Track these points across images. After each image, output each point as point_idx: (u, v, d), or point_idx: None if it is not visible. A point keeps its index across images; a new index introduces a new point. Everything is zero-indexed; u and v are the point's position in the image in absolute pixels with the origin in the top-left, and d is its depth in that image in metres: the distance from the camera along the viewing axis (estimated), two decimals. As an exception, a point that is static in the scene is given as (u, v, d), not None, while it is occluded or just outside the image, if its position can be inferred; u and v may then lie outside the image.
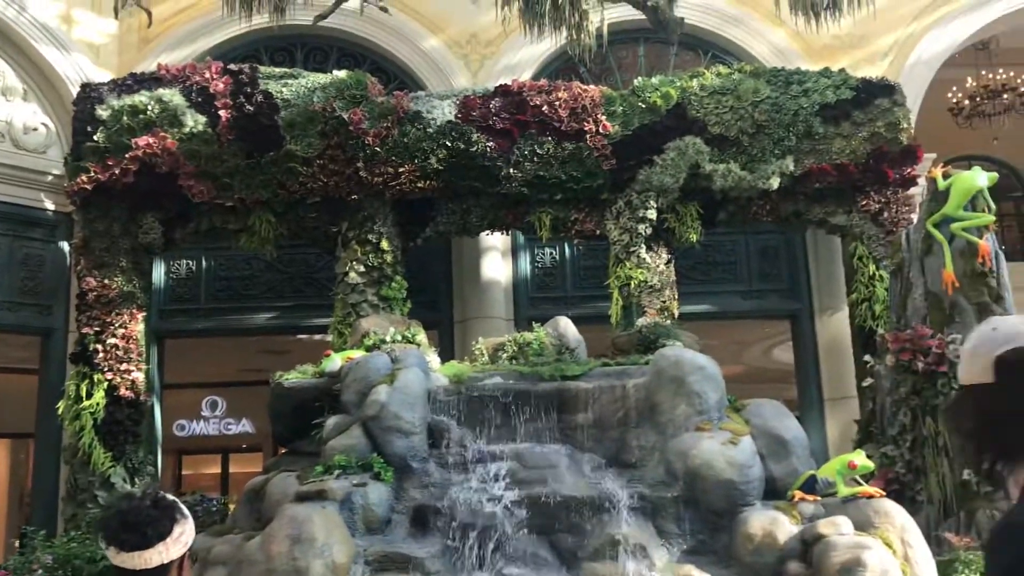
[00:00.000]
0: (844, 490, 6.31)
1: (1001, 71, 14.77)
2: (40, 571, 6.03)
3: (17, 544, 7.11)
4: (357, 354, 7.27)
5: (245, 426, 14.85)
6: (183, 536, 2.02)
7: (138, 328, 9.11)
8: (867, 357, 8.11)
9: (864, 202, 9.80)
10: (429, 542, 6.10)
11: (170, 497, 2.10)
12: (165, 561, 1.99)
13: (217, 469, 16.60)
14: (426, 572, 5.87)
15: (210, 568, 5.86)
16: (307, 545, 5.49)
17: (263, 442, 14.58)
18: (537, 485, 6.40)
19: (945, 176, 7.61)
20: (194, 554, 6.26)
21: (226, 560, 5.86)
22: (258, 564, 5.50)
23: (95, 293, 8.96)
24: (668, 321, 9.15)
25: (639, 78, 10.08)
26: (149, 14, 9.65)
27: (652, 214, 9.57)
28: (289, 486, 6.28)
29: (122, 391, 8.79)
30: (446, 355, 9.74)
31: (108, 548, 1.99)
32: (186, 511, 2.09)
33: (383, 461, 6.43)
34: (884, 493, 6.32)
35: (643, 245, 9.58)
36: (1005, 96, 14.57)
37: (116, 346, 8.87)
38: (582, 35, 8.75)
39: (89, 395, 8.71)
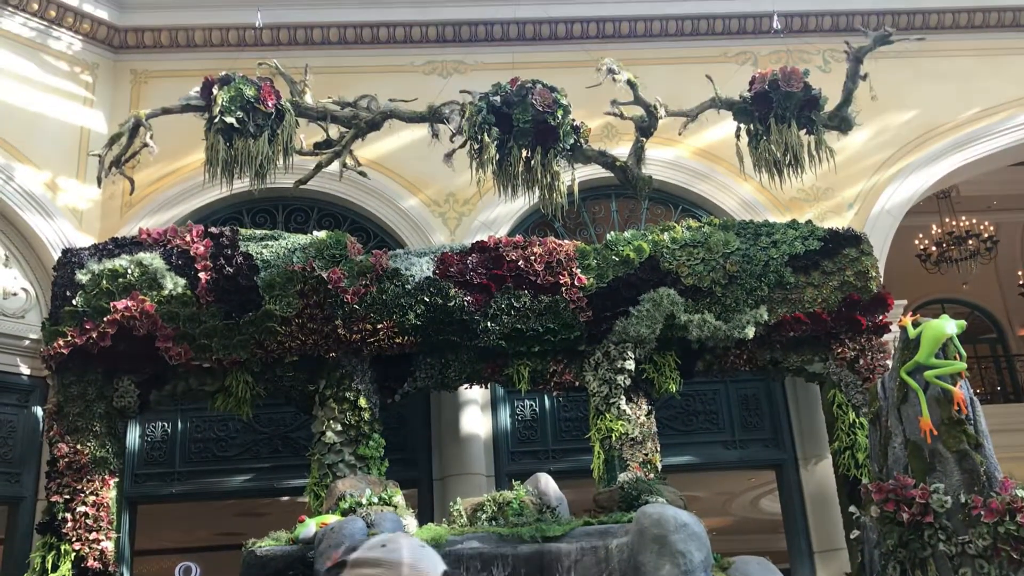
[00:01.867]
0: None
1: (964, 218, 15.27)
2: None
3: None
4: (332, 519, 7.09)
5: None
6: None
7: (110, 495, 8.89)
8: (852, 508, 7.99)
9: (839, 350, 9.90)
10: None
11: None
12: None
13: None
14: None
15: None
16: None
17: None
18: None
19: (915, 324, 7.71)
20: None
21: None
22: None
23: (67, 459, 8.79)
24: (651, 474, 9.03)
25: (612, 232, 10.33)
26: (132, 182, 9.87)
27: (630, 365, 9.60)
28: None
29: (90, 562, 8.48)
30: (425, 514, 9.55)
31: None
32: None
33: (358, 632, 6.17)
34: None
35: (623, 396, 9.57)
36: (970, 242, 14.99)
37: (86, 514, 8.62)
38: (554, 194, 9.01)
39: (55, 568, 8.39)
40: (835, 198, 12.23)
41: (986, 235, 15.22)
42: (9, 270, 10.80)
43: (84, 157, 11.25)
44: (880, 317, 9.99)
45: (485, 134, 8.88)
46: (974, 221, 15.34)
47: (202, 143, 9.13)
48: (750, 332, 9.70)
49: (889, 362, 9.28)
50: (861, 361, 9.83)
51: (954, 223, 15.00)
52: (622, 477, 8.71)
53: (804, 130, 9.50)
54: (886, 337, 10.05)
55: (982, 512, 6.85)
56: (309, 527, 6.99)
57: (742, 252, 9.92)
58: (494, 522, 7.56)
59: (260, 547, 7.02)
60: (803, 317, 9.79)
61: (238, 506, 11.90)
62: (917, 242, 15.18)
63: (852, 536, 8.14)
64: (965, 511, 6.97)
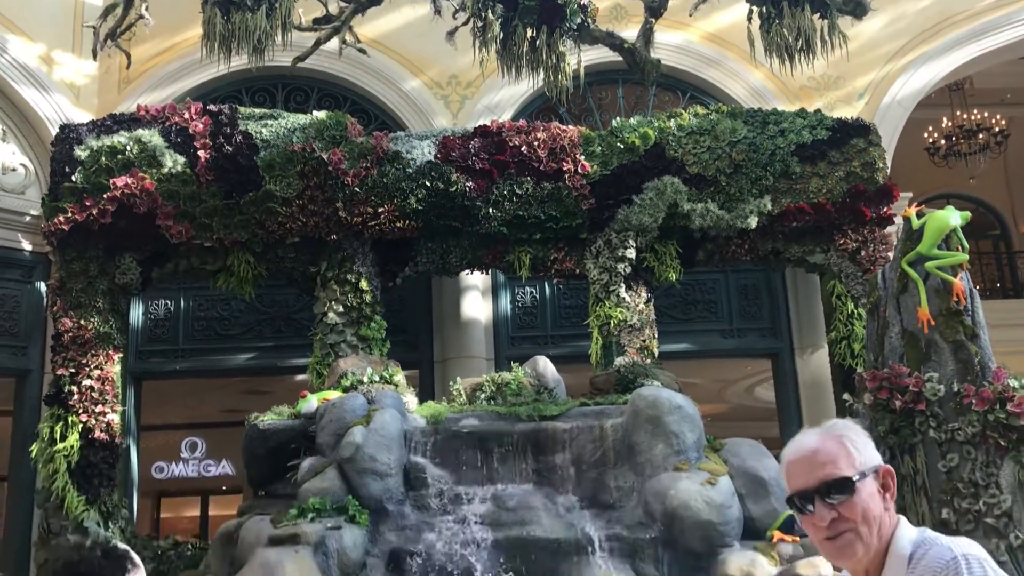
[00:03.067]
0: (823, 530, 6.27)
1: (976, 111, 15.00)
2: (5, 619, 5.89)
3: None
4: (333, 395, 7.22)
5: (225, 468, 14.67)
6: None
7: (114, 369, 9.02)
8: (846, 396, 8.10)
9: (841, 241, 9.87)
10: (404, 587, 6.01)
11: (122, 546, 2.05)
12: None
13: (196, 512, 16.38)
14: (401, 617, 5.78)
15: (180, 615, 5.76)
16: (279, 591, 5.40)
17: (243, 484, 14.40)
18: (514, 527, 6.35)
19: (919, 215, 7.66)
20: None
21: (197, 607, 5.76)
22: (229, 611, 5.40)
23: (71, 334, 8.88)
24: (648, 360, 9.14)
25: (617, 118, 10.17)
26: (128, 55, 9.66)
27: (631, 253, 9.60)
28: (262, 530, 6.19)
29: (97, 433, 8.68)
30: (426, 395, 9.70)
31: None
32: (138, 560, 2.03)
33: (358, 504, 6.36)
34: (863, 533, 6.29)
35: (622, 284, 9.59)
36: (980, 136, 14.76)
37: (91, 388, 8.77)
38: (559, 77, 8.81)
39: (63, 437, 8.59)
40: (845, 88, 11.98)
41: (997, 129, 14.98)
42: (7, 145, 10.69)
43: (79, 29, 10.98)
44: (884, 209, 9.92)
45: (489, 11, 8.63)
46: (986, 114, 15.07)
47: (199, 17, 8.89)
48: (753, 222, 9.66)
49: (891, 254, 9.26)
50: (862, 252, 9.81)
51: (965, 116, 14.73)
52: (619, 361, 8.82)
53: (818, 14, 9.22)
54: (889, 229, 10.01)
55: (973, 400, 6.95)
56: (311, 402, 7.11)
57: (749, 141, 9.78)
58: (493, 401, 7.69)
59: (263, 421, 7.17)
60: (807, 207, 9.73)
61: (242, 384, 12.09)
62: (926, 135, 14.94)
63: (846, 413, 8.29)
64: (957, 399, 7.07)
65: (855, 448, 1.82)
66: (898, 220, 9.80)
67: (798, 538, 6.31)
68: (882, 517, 1.79)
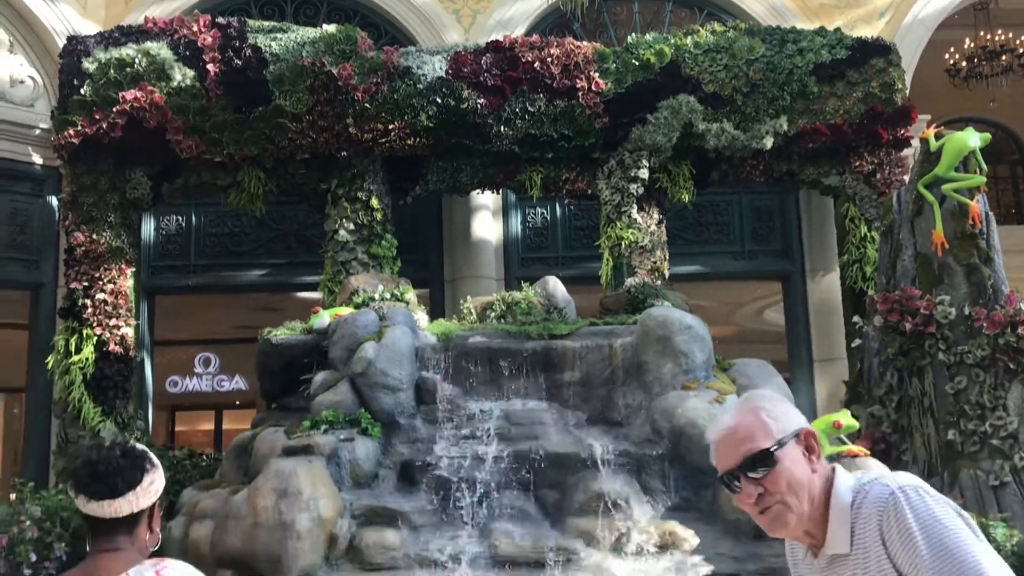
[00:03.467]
0: (828, 449, 6.35)
1: (1000, 32, 14.63)
2: (28, 522, 6.05)
3: (13, 498, 7.15)
4: (345, 311, 7.26)
5: (238, 383, 14.86)
6: (153, 485, 2.01)
7: (127, 284, 9.08)
8: (856, 318, 8.12)
9: (857, 163, 9.76)
10: (416, 497, 6.14)
11: (140, 447, 2.08)
12: (135, 510, 1.98)
13: (210, 425, 16.67)
14: (413, 526, 5.92)
15: (196, 522, 5.90)
16: (293, 499, 5.52)
17: (256, 399, 14.61)
18: (523, 442, 6.44)
19: (937, 137, 7.56)
20: (181, 505, 6.30)
21: (212, 514, 5.90)
22: (244, 518, 5.53)
23: (83, 248, 8.92)
24: (659, 282, 9.14)
25: (633, 35, 9.96)
26: (135, -36, 9.49)
27: (644, 173, 9.51)
28: (276, 441, 6.30)
29: (111, 346, 8.78)
30: (436, 314, 9.75)
31: (78, 497, 1.98)
32: (156, 460, 2.07)
33: (370, 417, 6.46)
34: (869, 452, 6.37)
35: (634, 205, 9.54)
36: (1003, 58, 14.43)
37: (105, 301, 8.84)
38: (574, -10, 8.63)
39: (78, 350, 8.70)
40: (866, 6, 11.67)
41: (1021, 50, 14.63)
42: (14, 56, 10.56)
43: (84, -63, 10.74)
44: (902, 130, 9.78)
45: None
46: (1010, 35, 14.70)
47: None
48: (768, 142, 9.54)
49: (906, 177, 9.16)
50: (878, 175, 9.71)
51: (988, 37, 14.37)
52: (629, 281, 8.82)
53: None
54: (906, 151, 9.88)
55: (984, 324, 6.97)
56: (323, 318, 7.16)
57: (766, 59, 9.60)
58: (503, 320, 7.72)
59: (276, 336, 7.23)
60: (823, 128, 9.59)
61: (254, 301, 12.16)
62: (948, 56, 14.61)
63: (853, 345, 8.33)
64: (968, 323, 7.08)
65: (771, 418, 1.81)
66: (915, 143, 9.65)
67: (803, 456, 6.38)
68: (810, 480, 1.78)
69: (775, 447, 1.77)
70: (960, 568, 1.60)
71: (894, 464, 6.75)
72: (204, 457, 8.73)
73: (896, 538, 1.67)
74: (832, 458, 6.27)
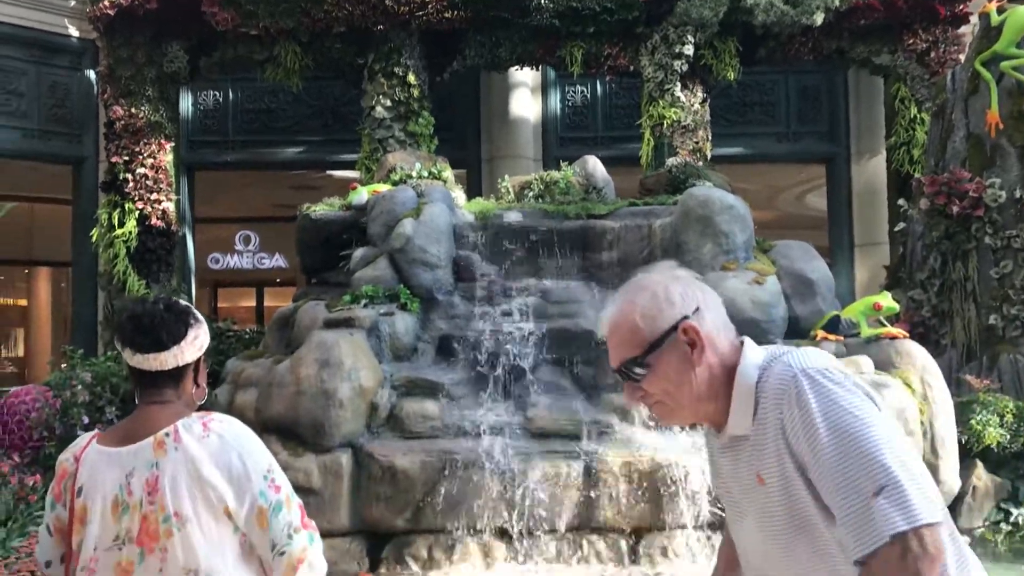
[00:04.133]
0: (867, 331, 6.33)
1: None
2: (79, 387, 6.27)
3: (64, 367, 7.42)
4: (383, 188, 7.24)
5: (278, 261, 15.05)
6: (197, 340, 2.03)
7: (167, 158, 9.12)
8: (901, 201, 7.96)
9: (910, 41, 9.38)
10: (454, 370, 6.24)
11: (183, 303, 2.10)
12: (180, 364, 2.00)
13: (252, 302, 16.97)
14: (451, 398, 6.04)
15: (241, 389, 6.07)
16: (335, 369, 5.64)
17: (297, 276, 14.82)
18: (560, 319, 6.48)
19: (1000, 11, 7.21)
20: (226, 374, 6.47)
21: (257, 382, 6.05)
22: (287, 386, 5.67)
23: (123, 122, 8.93)
24: (700, 163, 8.98)
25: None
26: None
27: (689, 50, 9.23)
28: (318, 314, 6.40)
29: (153, 220, 8.89)
30: (473, 194, 9.70)
31: (124, 350, 2.01)
32: (200, 317, 2.08)
33: (409, 293, 6.52)
34: (907, 334, 6.34)
35: (678, 83, 9.29)
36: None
37: (145, 176, 8.91)
38: None
39: (121, 223, 8.82)
40: None
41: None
42: (46, -74, 10.36)
43: None
44: (960, 6, 9.35)
45: None
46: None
47: None
48: (819, 18, 9.17)
49: (962, 56, 8.81)
50: (932, 53, 9.34)
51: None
52: (670, 161, 8.68)
53: None
54: (963, 29, 9.47)
55: (1034, 208, 6.81)
56: (361, 194, 7.16)
57: (821, -72, 9.14)
58: (541, 200, 7.67)
59: (315, 211, 7.25)
60: (876, 4, 9.19)
61: (292, 179, 12.19)
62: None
63: (896, 229, 8.20)
64: (1017, 206, 6.92)
65: (645, 318, 1.65)
66: (974, 19, 9.23)
67: (842, 337, 6.37)
68: (696, 374, 1.63)
69: (645, 354, 1.64)
70: (861, 457, 1.46)
71: (932, 348, 6.72)
72: (247, 331, 8.92)
73: (797, 424, 1.53)
74: (870, 340, 6.25)
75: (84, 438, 2.03)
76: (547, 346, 6.28)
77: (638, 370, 1.65)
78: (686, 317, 1.64)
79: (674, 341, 1.63)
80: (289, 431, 5.57)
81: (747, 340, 1.70)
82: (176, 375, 2.01)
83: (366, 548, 5.52)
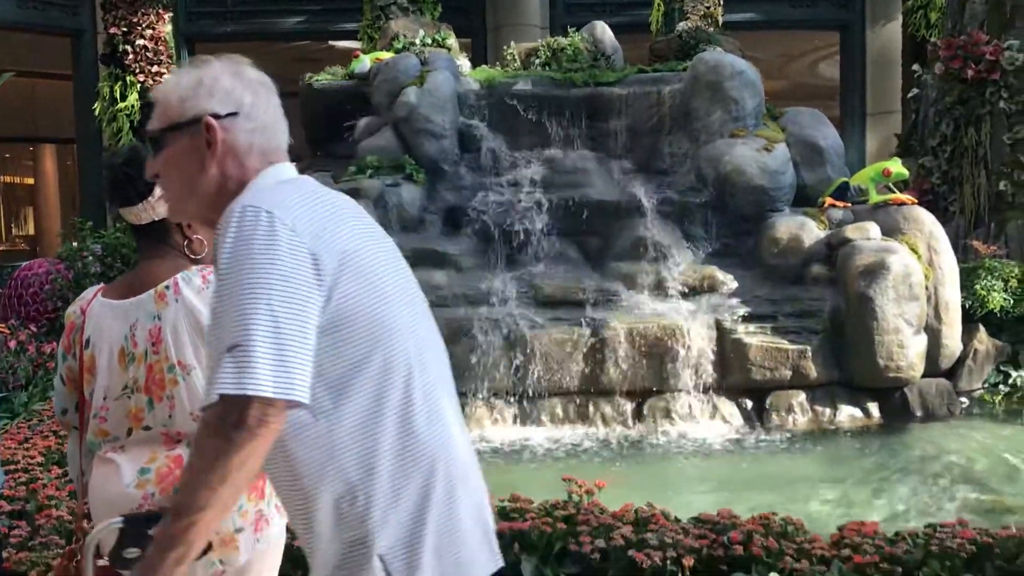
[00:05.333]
0: (876, 197, 6.29)
1: None
2: (90, 258, 6.33)
3: (75, 243, 7.45)
4: (386, 56, 7.10)
5: (283, 137, 14.92)
6: None
7: (165, 29, 8.93)
8: (915, 67, 7.78)
9: None
10: (461, 241, 6.27)
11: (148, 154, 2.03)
12: (155, 218, 1.99)
13: (257, 179, 16.94)
14: (459, 268, 6.09)
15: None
16: (341, 239, 5.66)
17: (301, 152, 14.70)
18: (567, 189, 6.46)
19: None
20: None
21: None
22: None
23: (119, -9, 8.71)
24: (711, 28, 8.74)
25: None
26: None
27: (701, -91, 8.85)
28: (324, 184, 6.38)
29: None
30: (478, 63, 9.49)
31: (112, 204, 2.00)
32: None
33: (415, 163, 6.48)
34: (916, 201, 6.31)
35: (689, -55, 8.96)
36: None
37: (145, 47, 8.74)
38: None
39: (123, 97, 8.71)
40: None
41: None
42: None
43: None
44: None
45: None
46: None
47: None
48: None
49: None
50: (956, -91, 8.94)
51: None
52: (681, 26, 8.45)
53: None
54: None
55: (1052, 70, 6.65)
56: (364, 63, 7.03)
57: None
58: (547, 68, 7.52)
59: (317, 81, 7.14)
60: None
61: (293, 51, 11.93)
62: None
63: (909, 96, 8.04)
64: (1035, 68, 6.76)
65: (181, 96, 1.52)
66: None
67: (849, 204, 6.34)
68: (206, 177, 1.50)
69: (163, 131, 1.53)
70: (234, 308, 1.29)
71: (941, 214, 6.69)
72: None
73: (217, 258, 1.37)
74: (878, 206, 6.22)
75: (90, 291, 2.05)
76: (555, 216, 6.28)
77: (157, 148, 1.55)
78: (217, 116, 1.49)
79: (196, 133, 1.50)
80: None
81: (275, 170, 1.51)
82: (160, 229, 2.00)
83: (378, 412, 5.67)
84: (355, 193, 6.12)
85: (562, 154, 6.83)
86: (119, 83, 8.73)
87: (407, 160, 6.47)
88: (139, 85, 8.75)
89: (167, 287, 1.93)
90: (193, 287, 1.92)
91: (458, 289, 5.92)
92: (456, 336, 5.58)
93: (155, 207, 1.97)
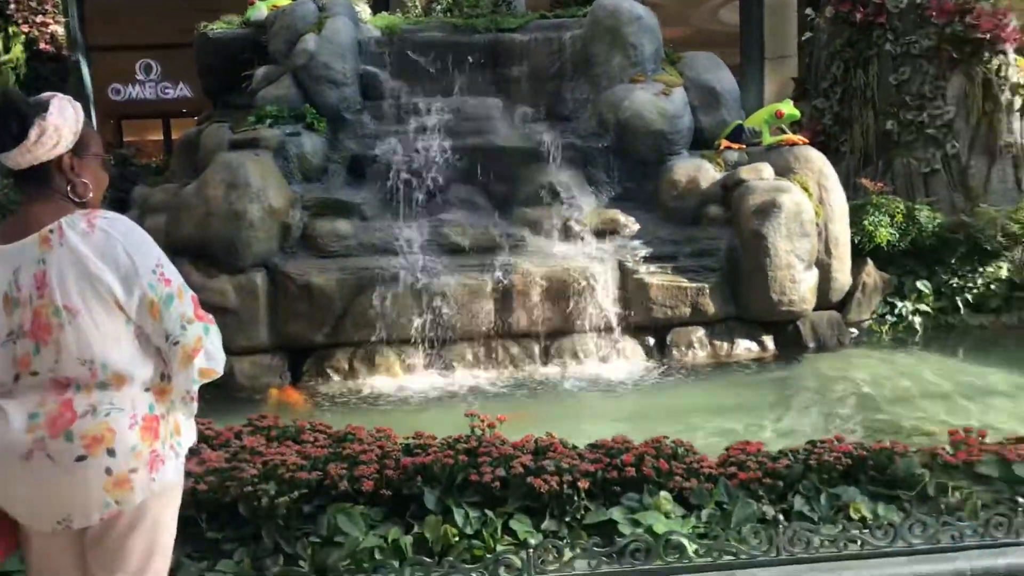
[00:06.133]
0: (769, 138, 6.49)
1: None
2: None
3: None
4: (283, 2, 6.96)
5: (183, 90, 14.46)
6: (45, 136, 1.94)
7: (50, -22, 8.53)
8: (808, 10, 7.99)
9: None
10: (366, 190, 6.25)
11: (20, 97, 1.98)
12: (35, 163, 1.95)
13: (159, 135, 16.40)
14: (364, 217, 6.07)
15: (149, 214, 5.99)
16: (243, 190, 5.59)
17: (203, 107, 14.30)
18: (472, 136, 6.48)
19: None
20: (132, 200, 6.36)
21: (164, 206, 5.97)
22: (196, 208, 5.62)
23: (-5, -66, 8.27)
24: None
25: None
26: None
27: None
28: (223, 135, 6.27)
29: (42, 45, 8.41)
30: (379, 10, 9.37)
31: None
32: (58, 108, 1.96)
33: (315, 112, 6.40)
34: (807, 141, 6.53)
35: None
36: None
37: (29, -4, 8.35)
38: None
39: (7, 49, 8.32)
40: None
41: None
42: None
43: None
44: None
45: None
46: None
47: None
48: None
49: None
50: None
51: None
52: (581, -29, 8.48)
53: None
54: None
55: (934, 12, 6.91)
56: (260, 10, 6.88)
57: None
58: (449, 14, 7.48)
59: (212, 30, 6.97)
60: None
61: (192, 1, 11.54)
62: None
63: (803, 39, 8.26)
64: (918, 12, 7.02)
65: None
66: None
67: (744, 146, 6.53)
68: None
69: None
70: None
71: (833, 154, 6.95)
72: (153, 162, 8.69)
73: None
74: (771, 147, 6.43)
75: None
76: (460, 163, 6.30)
77: None
78: None
79: None
80: (200, 253, 5.57)
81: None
82: (41, 172, 1.96)
83: (287, 363, 5.68)
84: (255, 143, 6.05)
85: (465, 101, 6.84)
86: (2, 34, 8.33)
87: (308, 109, 6.40)
88: (23, 36, 8.37)
89: (51, 231, 1.90)
90: (78, 231, 1.90)
91: (364, 238, 5.92)
92: (365, 285, 5.61)
93: (32, 150, 1.94)
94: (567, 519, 2.78)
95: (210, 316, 1.99)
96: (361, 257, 5.82)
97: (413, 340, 5.69)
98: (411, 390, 5.41)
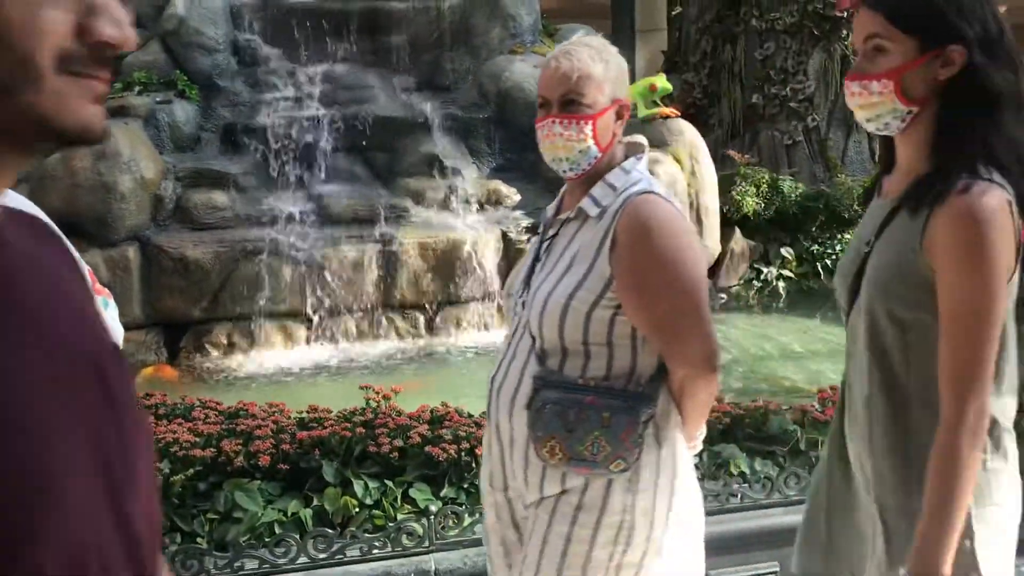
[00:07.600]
0: (644, 111, 6.68)
1: None
2: None
3: None
4: (149, -37, 6.66)
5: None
6: None
7: None
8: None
9: None
10: (242, 160, 6.10)
11: None
12: None
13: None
14: (240, 188, 5.93)
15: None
16: (112, 161, 5.37)
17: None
18: (351, 105, 6.41)
19: None
20: None
21: (26, 177, 5.66)
22: (62, 179, 5.36)
23: None
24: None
25: None
26: None
27: None
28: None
29: None
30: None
31: None
32: None
33: (187, 79, 6.20)
34: (679, 114, 6.75)
35: None
36: None
37: None
38: None
39: None
40: None
41: None
42: None
43: None
44: None
45: None
46: None
47: None
48: None
49: None
50: None
51: None
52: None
53: None
54: None
55: (796, -9, 7.25)
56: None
57: None
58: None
59: None
60: None
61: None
62: None
63: (674, 14, 8.51)
64: (781, -10, 7.34)
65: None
66: None
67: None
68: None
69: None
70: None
71: (703, 127, 7.21)
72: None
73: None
74: (646, 120, 6.62)
75: None
76: (339, 133, 6.23)
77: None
78: None
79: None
80: (68, 226, 5.30)
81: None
82: None
83: (163, 339, 5.52)
84: (123, 111, 5.81)
85: (343, 69, 6.74)
86: None
87: (179, 76, 6.18)
88: None
89: None
90: None
91: (241, 210, 5.79)
92: (242, 258, 5.49)
93: None
94: (465, 485, 2.85)
95: (108, 291, 1.95)
96: (238, 229, 5.69)
97: (295, 313, 5.62)
98: (295, 364, 5.36)
